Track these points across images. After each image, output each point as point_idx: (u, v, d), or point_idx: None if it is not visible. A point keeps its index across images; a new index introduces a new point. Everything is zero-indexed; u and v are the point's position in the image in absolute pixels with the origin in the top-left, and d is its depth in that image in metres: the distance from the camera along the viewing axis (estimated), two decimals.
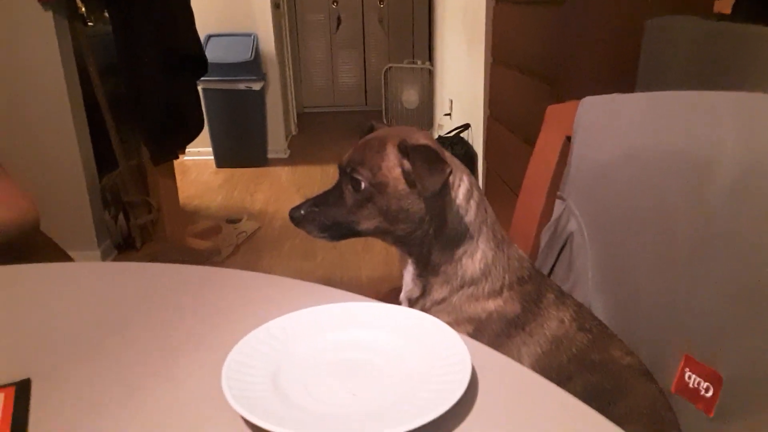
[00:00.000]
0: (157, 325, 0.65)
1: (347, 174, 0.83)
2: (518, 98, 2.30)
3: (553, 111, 1.04)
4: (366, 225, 0.83)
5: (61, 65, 2.39)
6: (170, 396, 0.53)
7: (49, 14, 2.34)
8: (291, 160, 4.25)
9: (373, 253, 2.72)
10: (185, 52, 2.51)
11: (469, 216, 0.85)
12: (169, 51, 2.47)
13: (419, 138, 0.83)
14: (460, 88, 3.48)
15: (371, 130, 0.90)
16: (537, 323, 0.82)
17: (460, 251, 0.84)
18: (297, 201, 2.88)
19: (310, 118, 5.47)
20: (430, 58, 5.04)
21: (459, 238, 0.84)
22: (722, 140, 0.77)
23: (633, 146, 0.88)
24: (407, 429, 0.45)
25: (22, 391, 0.54)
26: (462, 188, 0.85)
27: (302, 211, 0.83)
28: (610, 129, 0.92)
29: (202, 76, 2.59)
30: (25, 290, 0.75)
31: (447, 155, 0.84)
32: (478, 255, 0.84)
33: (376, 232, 0.85)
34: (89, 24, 2.66)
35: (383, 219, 0.82)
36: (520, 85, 2.26)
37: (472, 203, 0.85)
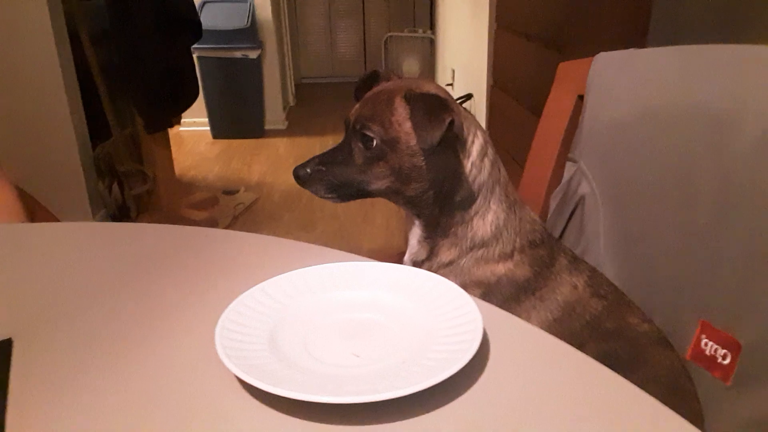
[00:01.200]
0: (150, 285, 0.61)
1: (357, 131, 0.77)
2: (524, 66, 2.24)
3: (565, 69, 0.99)
4: (377, 185, 0.79)
5: (51, 32, 2.32)
6: (161, 356, 0.50)
7: None
8: (289, 132, 4.18)
9: (374, 225, 2.68)
10: (179, 16, 2.44)
11: (483, 175, 0.80)
12: (162, 15, 2.40)
13: (429, 88, 0.78)
14: (463, 56, 3.41)
15: (373, 76, 0.84)
16: (548, 288, 0.79)
17: (471, 212, 0.80)
18: None
19: (308, 89, 5.38)
20: (432, 26, 4.94)
21: (471, 198, 0.80)
22: (746, 95, 0.72)
23: (651, 103, 0.83)
24: (415, 390, 0.41)
25: (1, 350, 0.50)
26: (476, 145, 0.80)
27: (308, 170, 0.78)
28: (626, 86, 0.88)
29: (196, 41, 2.52)
30: (11, 250, 0.71)
31: (460, 109, 0.79)
32: (490, 216, 0.80)
33: (387, 192, 0.80)
34: None
35: (395, 178, 0.78)
36: (526, 52, 2.19)
37: (486, 161, 0.81)
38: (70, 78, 2.43)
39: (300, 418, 0.42)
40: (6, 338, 0.51)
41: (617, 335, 0.77)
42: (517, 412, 0.44)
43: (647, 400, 0.46)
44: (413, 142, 0.75)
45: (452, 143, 0.77)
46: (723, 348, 0.75)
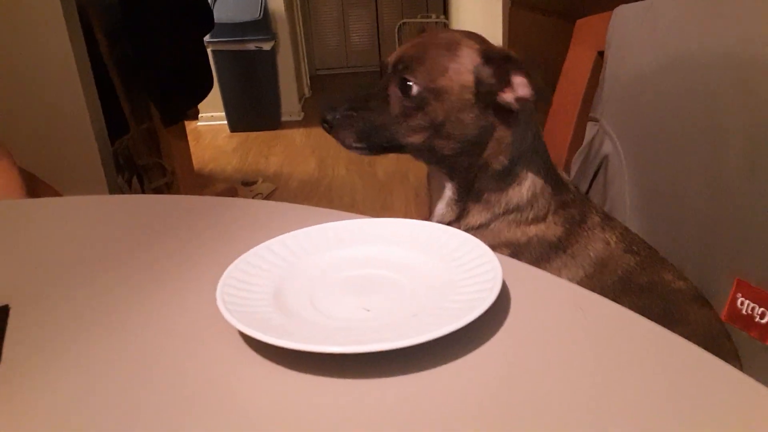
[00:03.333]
0: (152, 252, 0.59)
1: (397, 72, 0.71)
2: (540, 41, 2.18)
3: (583, 25, 0.95)
4: (412, 138, 0.73)
5: (65, 27, 2.32)
6: (162, 317, 0.47)
7: None
8: (305, 123, 4.16)
9: (393, 211, 2.64)
10: (191, 8, 2.43)
11: (525, 144, 0.75)
12: (174, 7, 2.39)
13: (494, 45, 0.74)
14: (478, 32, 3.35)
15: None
16: (580, 245, 0.75)
17: (509, 180, 0.75)
18: (312, 163, 2.79)
19: (323, 80, 5.35)
20: (445, 10, 4.87)
21: (511, 166, 0.75)
22: None
23: (676, 53, 0.78)
24: (427, 339, 0.38)
25: None
26: (522, 113, 0.75)
27: (337, 115, 0.72)
28: (649, 38, 0.83)
29: (209, 32, 2.51)
30: (12, 223, 0.70)
31: None
32: (527, 184, 0.76)
33: (422, 148, 0.74)
34: None
35: (433, 132, 0.71)
36: (542, 28, 2.14)
37: (529, 132, 0.76)
38: (86, 73, 2.43)
39: (306, 372, 0.39)
40: (3, 305, 0.50)
41: (651, 291, 0.73)
42: (541, 363, 0.41)
43: (687, 347, 0.42)
44: (468, 96, 0.70)
45: (503, 108, 0.72)
46: (761, 306, 0.70)
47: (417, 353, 0.40)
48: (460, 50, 0.70)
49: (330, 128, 0.73)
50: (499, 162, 0.75)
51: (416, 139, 0.73)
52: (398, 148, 0.74)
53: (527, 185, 0.76)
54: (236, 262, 0.49)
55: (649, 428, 0.34)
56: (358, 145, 0.73)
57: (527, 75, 0.68)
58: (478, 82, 0.70)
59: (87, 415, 0.37)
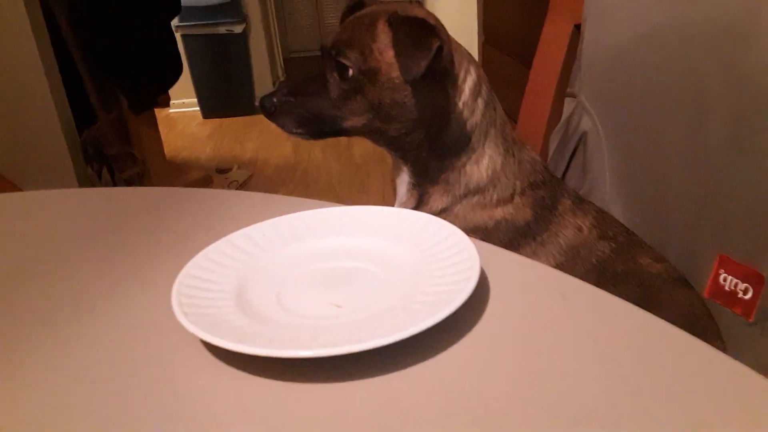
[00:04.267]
0: (111, 246, 0.55)
1: (332, 57, 0.69)
2: (515, 18, 2.15)
3: None
4: (352, 121, 0.71)
5: (26, 15, 2.23)
6: (115, 318, 0.44)
7: None
8: None
9: (371, 193, 2.61)
10: None
11: (476, 116, 0.72)
12: None
13: (417, 12, 0.71)
14: (452, 15, 3.30)
15: (358, 6, 0.76)
16: (551, 232, 0.72)
17: (464, 157, 0.73)
18: (288, 148, 2.74)
19: (297, 63, 5.25)
20: None
21: (463, 141, 0.72)
22: (760, 5, 0.65)
23: (655, 23, 0.76)
24: (403, 337, 0.35)
25: None
26: (468, 82, 0.72)
27: (275, 100, 0.70)
28: (626, 9, 0.80)
29: (175, 15, 2.43)
30: None
31: (452, 40, 0.72)
32: (485, 161, 0.73)
33: (365, 131, 0.73)
34: None
35: (374, 115, 0.70)
36: (517, 4, 2.10)
37: (480, 101, 0.73)
38: (50, 62, 2.34)
39: (273, 378, 0.36)
40: None
41: (628, 278, 0.71)
42: (524, 352, 0.38)
43: (668, 330, 0.40)
44: (395, 74, 0.67)
45: (441, 79, 0.70)
46: (744, 282, 0.69)
47: (393, 350, 0.37)
48: (378, 27, 0.68)
49: (269, 115, 0.71)
50: (448, 136, 0.72)
51: (357, 122, 0.71)
52: (340, 131, 0.73)
53: (485, 163, 0.73)
54: (195, 258, 0.46)
55: (633, 412, 0.33)
56: (299, 130, 0.72)
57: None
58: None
59: (31, 421, 0.34)
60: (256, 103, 3.90)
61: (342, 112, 0.70)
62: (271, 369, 0.37)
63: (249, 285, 0.44)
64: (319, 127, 0.72)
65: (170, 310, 0.40)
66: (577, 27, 0.88)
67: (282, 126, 0.72)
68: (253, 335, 0.37)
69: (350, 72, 0.68)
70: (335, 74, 0.70)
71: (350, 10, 0.75)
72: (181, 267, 0.45)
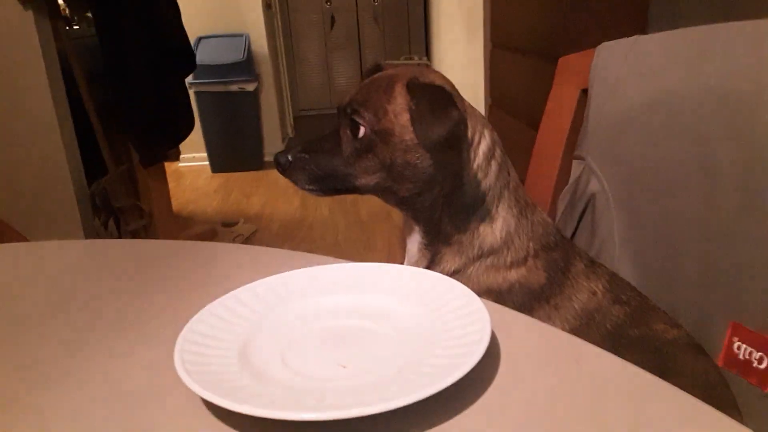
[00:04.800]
0: (115, 299, 0.55)
1: (347, 116, 0.70)
2: (521, 81, 2.20)
3: (566, 63, 0.94)
4: (364, 180, 0.71)
5: (44, 68, 2.29)
6: (116, 374, 0.43)
7: (30, 14, 2.25)
8: None
9: (377, 251, 2.60)
10: (172, 49, 2.42)
11: (489, 179, 0.72)
12: (156, 49, 2.38)
13: (434, 78, 0.72)
14: (460, 79, 3.38)
15: (377, 70, 0.78)
16: (564, 296, 0.71)
17: (478, 219, 0.72)
18: (295, 203, 2.76)
19: (307, 121, 5.37)
20: (427, 52, 4.95)
21: (476, 204, 0.72)
22: (766, 71, 0.66)
23: (661, 90, 0.77)
24: (411, 401, 0.34)
25: None
26: (483, 145, 0.73)
27: (289, 157, 0.71)
28: (633, 74, 0.82)
29: (190, 72, 2.50)
30: None
31: (466, 105, 0.73)
32: (499, 224, 0.72)
33: (377, 190, 0.73)
34: (74, 26, 2.57)
35: (386, 175, 0.70)
36: (522, 68, 2.16)
37: (494, 164, 0.73)
38: (64, 116, 2.39)
39: None
40: None
41: (643, 344, 0.69)
42: (535, 421, 0.37)
43: (685, 399, 0.39)
44: (408, 136, 0.68)
45: (455, 143, 0.70)
46: (758, 351, 0.67)
47: (400, 415, 0.36)
48: (395, 89, 0.69)
49: (283, 171, 0.72)
50: (461, 198, 0.72)
51: (369, 180, 0.72)
52: (352, 189, 0.73)
53: (499, 224, 0.73)
54: (199, 314, 0.45)
55: None
56: (311, 186, 0.73)
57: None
58: (414, 119, 0.68)
59: None
60: (266, 159, 3.96)
61: (354, 170, 0.71)
62: (272, 430, 0.35)
63: (253, 342, 0.43)
64: (331, 184, 0.72)
65: (173, 366, 0.39)
66: (584, 91, 0.89)
67: (295, 182, 0.73)
68: (256, 395, 0.36)
69: (363, 131, 0.69)
70: (348, 132, 0.71)
71: (369, 73, 0.77)
72: (186, 321, 0.44)
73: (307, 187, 0.72)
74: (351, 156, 0.70)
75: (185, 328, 0.43)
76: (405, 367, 0.40)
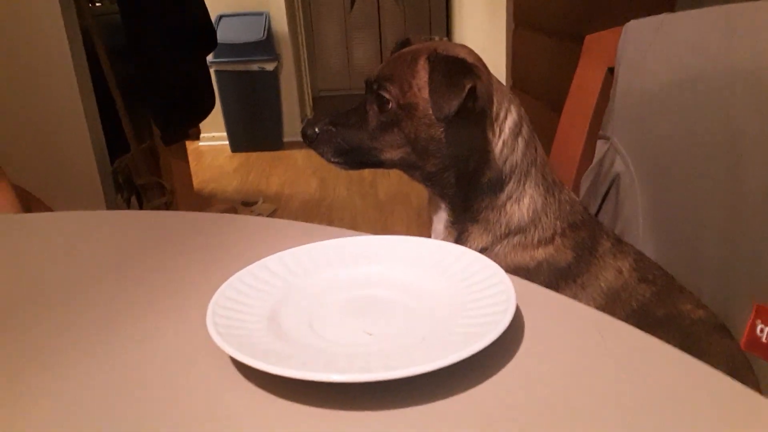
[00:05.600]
0: (144, 268, 0.56)
1: (373, 90, 0.71)
2: (544, 62, 2.17)
3: (592, 41, 0.93)
4: (389, 154, 0.72)
5: (68, 46, 2.31)
6: (151, 338, 0.44)
7: None
8: None
9: (394, 232, 2.60)
10: (194, 27, 2.43)
11: (516, 155, 0.72)
12: (177, 27, 2.39)
13: (458, 51, 0.71)
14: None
15: (405, 44, 0.78)
16: (591, 274, 0.71)
17: (504, 196, 0.72)
18: (313, 184, 2.77)
19: (325, 102, 5.36)
20: (448, 32, 4.90)
21: (502, 180, 0.72)
22: None
23: (690, 69, 0.76)
24: (437, 367, 0.35)
25: None
26: (509, 121, 0.72)
27: (316, 129, 0.72)
28: (661, 53, 0.81)
29: (211, 50, 2.51)
30: (3, 238, 0.67)
31: (492, 79, 0.72)
32: (526, 201, 0.72)
33: (402, 165, 0.73)
34: (96, 3, 2.58)
35: (410, 149, 0.71)
36: (546, 49, 2.13)
37: (520, 141, 0.73)
38: (87, 93, 2.42)
39: (304, 403, 0.36)
40: None
41: (669, 324, 0.69)
42: (559, 391, 0.37)
43: (712, 375, 0.38)
44: (432, 111, 0.68)
45: (479, 117, 0.70)
46: None
47: (424, 382, 0.37)
48: (418, 63, 0.69)
49: (310, 143, 0.73)
50: (487, 175, 0.72)
51: (394, 155, 0.72)
52: (377, 163, 0.74)
53: (526, 202, 0.72)
54: (229, 280, 0.46)
55: None
56: (337, 159, 0.73)
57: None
58: None
59: None
60: (285, 140, 3.97)
61: (379, 144, 0.71)
62: (303, 393, 0.36)
63: (282, 309, 0.44)
64: (357, 157, 0.73)
65: (203, 332, 0.40)
66: (611, 70, 0.88)
67: (322, 154, 0.73)
68: (286, 358, 0.37)
69: (389, 105, 0.69)
70: (375, 106, 0.71)
71: (399, 47, 0.77)
72: (214, 289, 0.45)
73: (333, 159, 0.73)
74: (377, 130, 0.71)
75: (216, 294, 0.44)
76: (430, 336, 0.40)
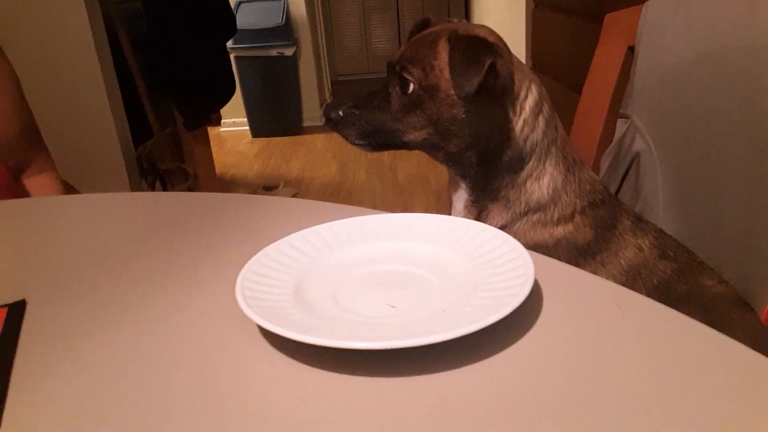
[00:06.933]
0: (173, 246, 0.58)
1: (396, 73, 0.72)
2: (564, 42, 2.15)
3: (613, 20, 0.92)
4: (412, 136, 0.73)
5: (91, 35, 2.35)
6: (180, 312, 0.46)
7: None
8: (326, 128, 4.15)
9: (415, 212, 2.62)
10: (214, 13, 2.45)
11: (536, 134, 0.73)
12: (198, 13, 2.41)
13: (478, 31, 0.72)
14: None
15: (425, 25, 0.78)
16: (610, 252, 0.72)
17: (524, 174, 0.73)
18: (333, 167, 2.79)
19: (344, 86, 5.36)
20: (467, 14, 4.85)
21: (522, 159, 0.73)
22: None
23: (712, 47, 0.75)
24: (457, 335, 0.36)
25: (14, 311, 0.47)
26: (529, 100, 0.73)
27: (340, 112, 0.73)
28: (681, 30, 0.80)
29: (231, 36, 2.52)
30: (34, 221, 0.69)
31: (513, 58, 0.72)
32: (546, 179, 0.73)
33: (425, 146, 0.74)
34: None
35: (433, 130, 0.71)
36: (565, 29, 2.11)
37: (541, 119, 0.73)
38: (111, 80, 2.46)
39: (329, 370, 0.38)
40: (20, 299, 0.49)
41: (690, 299, 0.69)
42: (576, 362, 0.38)
43: (734, 346, 0.39)
44: (453, 91, 0.69)
45: (500, 96, 0.71)
46: None
47: (445, 351, 0.38)
48: (439, 44, 0.70)
49: (334, 126, 0.74)
50: (508, 153, 0.73)
51: (417, 136, 0.73)
52: (401, 144, 0.74)
53: (546, 180, 0.73)
54: (257, 256, 0.48)
55: (691, 428, 0.32)
56: (361, 141, 0.74)
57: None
58: None
59: (104, 409, 0.36)
60: (304, 124, 3.99)
61: (402, 126, 0.72)
62: (328, 361, 0.38)
63: (306, 284, 0.45)
64: (380, 139, 0.74)
65: (231, 305, 0.42)
66: (631, 48, 0.88)
67: (345, 137, 0.75)
68: (312, 328, 0.38)
69: (411, 87, 0.70)
70: (398, 89, 0.72)
71: (418, 28, 0.77)
72: (242, 264, 0.47)
73: (356, 142, 0.74)
74: (399, 112, 0.72)
75: (244, 269, 0.46)
76: (450, 307, 0.42)
